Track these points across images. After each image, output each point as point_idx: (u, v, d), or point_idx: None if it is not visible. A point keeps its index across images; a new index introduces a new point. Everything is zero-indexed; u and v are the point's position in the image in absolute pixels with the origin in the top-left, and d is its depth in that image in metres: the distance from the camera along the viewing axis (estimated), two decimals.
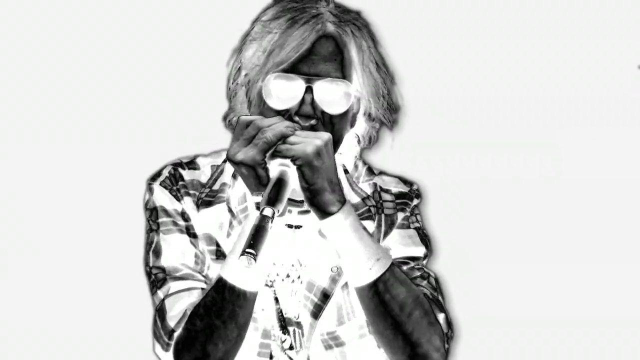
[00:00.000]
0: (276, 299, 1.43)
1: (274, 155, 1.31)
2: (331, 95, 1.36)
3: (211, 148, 1.59)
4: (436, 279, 1.50)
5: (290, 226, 1.44)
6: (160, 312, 1.42)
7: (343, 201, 1.32)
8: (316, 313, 1.43)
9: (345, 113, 1.39)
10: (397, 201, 1.53)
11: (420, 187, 1.59)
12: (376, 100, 1.42)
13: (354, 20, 1.42)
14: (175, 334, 1.38)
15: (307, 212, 1.41)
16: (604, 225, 2.80)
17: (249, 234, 1.21)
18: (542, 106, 2.84)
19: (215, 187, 1.47)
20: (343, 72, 1.36)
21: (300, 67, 1.34)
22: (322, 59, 1.35)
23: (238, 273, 1.33)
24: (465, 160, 2.83)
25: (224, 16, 2.61)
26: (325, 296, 1.43)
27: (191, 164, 1.50)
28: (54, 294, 2.77)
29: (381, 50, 1.45)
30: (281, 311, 1.42)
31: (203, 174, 1.49)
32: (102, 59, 2.72)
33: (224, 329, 1.34)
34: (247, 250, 1.20)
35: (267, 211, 1.25)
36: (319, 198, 1.30)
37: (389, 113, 1.45)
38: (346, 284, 1.43)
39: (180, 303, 1.40)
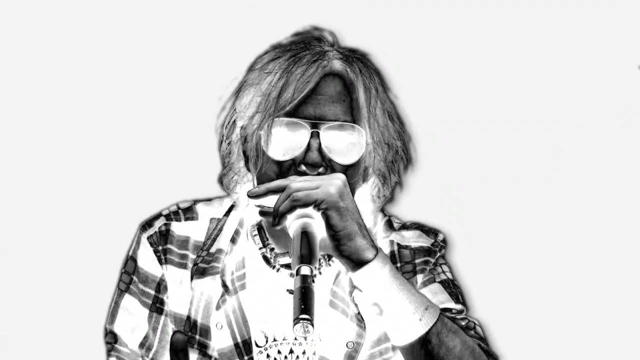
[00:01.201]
0: None
1: (292, 208, 1.11)
2: (340, 142, 1.20)
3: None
4: (482, 328, 1.34)
5: (292, 292, 1.18)
6: None
7: (376, 247, 1.15)
8: None
9: (357, 164, 1.24)
10: (417, 261, 1.37)
11: (445, 236, 1.45)
12: (383, 152, 1.25)
13: (362, 59, 1.28)
14: None
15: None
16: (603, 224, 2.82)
17: (295, 301, 1.04)
18: (541, 106, 2.85)
19: (212, 250, 1.29)
20: (353, 116, 1.22)
21: (304, 109, 1.19)
22: (328, 99, 1.20)
23: None
24: (464, 161, 2.84)
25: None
26: None
27: (188, 212, 1.35)
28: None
29: (391, 96, 1.31)
30: None
31: (200, 227, 1.32)
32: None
33: None
34: (301, 316, 1.03)
35: (305, 270, 1.08)
36: (351, 244, 1.12)
37: (396, 169, 1.28)
38: None
39: None
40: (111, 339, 1.38)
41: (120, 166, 2.76)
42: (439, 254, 1.37)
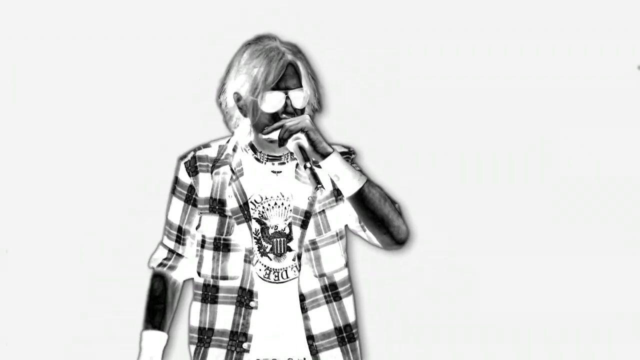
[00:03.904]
0: (249, 227, 2.26)
1: (290, 135, 2.13)
2: (298, 98, 2.21)
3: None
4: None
5: (274, 172, 2.27)
6: (156, 249, 2.40)
7: (332, 147, 2.16)
8: (304, 225, 2.27)
9: (305, 107, 2.24)
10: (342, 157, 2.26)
11: (355, 149, 2.37)
12: (313, 97, 2.24)
13: (298, 50, 2.25)
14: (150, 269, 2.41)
15: (284, 163, 2.28)
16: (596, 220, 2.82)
17: (310, 179, 2.10)
18: (540, 104, 2.84)
19: (222, 157, 2.29)
20: (300, 83, 2.22)
21: (280, 84, 2.19)
22: (289, 77, 2.20)
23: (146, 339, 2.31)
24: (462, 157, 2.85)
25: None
26: (307, 215, 2.27)
27: (206, 145, 2.33)
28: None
29: (313, 66, 2.26)
30: (258, 231, 2.27)
31: (213, 150, 2.31)
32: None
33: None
34: (318, 185, 2.08)
35: (308, 165, 2.10)
36: (321, 146, 2.11)
37: (319, 103, 2.27)
38: (323, 210, 2.30)
39: (158, 253, 2.39)
40: (166, 223, 2.37)
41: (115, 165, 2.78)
42: (353, 156, 2.34)
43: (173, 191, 2.33)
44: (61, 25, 2.78)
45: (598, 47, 2.79)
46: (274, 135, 2.16)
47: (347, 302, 2.31)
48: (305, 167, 2.10)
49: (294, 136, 2.12)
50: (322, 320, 2.28)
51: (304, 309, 2.26)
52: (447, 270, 2.85)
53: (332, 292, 2.29)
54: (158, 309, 2.32)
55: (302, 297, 2.26)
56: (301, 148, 2.11)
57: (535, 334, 2.85)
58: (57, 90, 2.78)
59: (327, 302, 2.29)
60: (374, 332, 2.73)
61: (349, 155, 2.33)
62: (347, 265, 2.33)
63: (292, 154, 2.27)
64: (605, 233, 2.82)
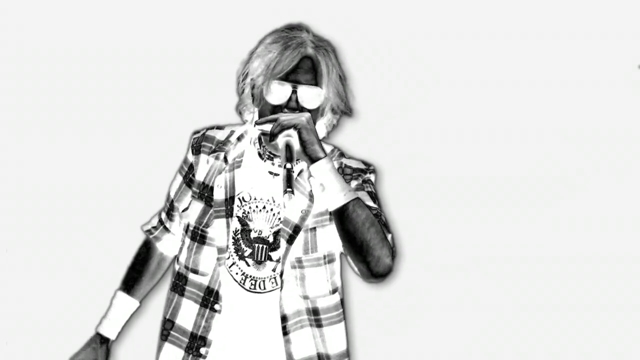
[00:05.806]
0: (227, 224, 2.11)
1: (281, 130, 1.95)
2: (308, 96, 2.04)
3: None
4: (386, 219, 2.10)
5: (271, 173, 2.12)
6: (154, 215, 2.36)
7: (325, 152, 1.96)
8: (291, 240, 2.08)
9: (317, 108, 2.08)
10: (354, 174, 2.15)
11: (375, 167, 2.19)
12: (338, 99, 2.09)
13: (326, 46, 2.09)
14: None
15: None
16: None
17: (283, 182, 1.88)
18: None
19: (224, 143, 2.16)
20: (317, 81, 2.05)
21: (289, 76, 2.03)
22: (302, 71, 2.03)
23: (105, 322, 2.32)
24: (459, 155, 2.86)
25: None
26: (297, 229, 2.08)
27: (220, 127, 2.21)
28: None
29: (342, 66, 2.13)
30: (239, 231, 2.12)
31: (223, 133, 2.18)
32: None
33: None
34: (287, 189, 1.86)
35: (288, 165, 1.90)
36: (312, 148, 1.92)
37: (346, 107, 2.12)
38: (314, 228, 2.11)
39: (153, 220, 2.36)
40: (165, 197, 2.29)
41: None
42: (369, 175, 2.15)
43: (180, 167, 2.24)
44: (61, 25, 2.79)
45: (598, 47, 2.80)
46: (267, 128, 1.98)
47: (329, 331, 2.14)
48: (284, 166, 1.90)
49: (285, 132, 1.93)
50: (304, 344, 2.12)
51: (285, 332, 2.09)
52: (450, 276, 2.86)
53: (314, 317, 2.12)
54: (135, 270, 2.30)
55: (284, 318, 2.09)
56: (289, 147, 1.92)
57: (534, 333, 2.86)
58: (57, 90, 2.79)
59: (310, 326, 2.12)
60: (372, 333, 2.73)
61: (363, 172, 2.13)
62: (336, 291, 2.15)
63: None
64: (605, 233, 2.83)
